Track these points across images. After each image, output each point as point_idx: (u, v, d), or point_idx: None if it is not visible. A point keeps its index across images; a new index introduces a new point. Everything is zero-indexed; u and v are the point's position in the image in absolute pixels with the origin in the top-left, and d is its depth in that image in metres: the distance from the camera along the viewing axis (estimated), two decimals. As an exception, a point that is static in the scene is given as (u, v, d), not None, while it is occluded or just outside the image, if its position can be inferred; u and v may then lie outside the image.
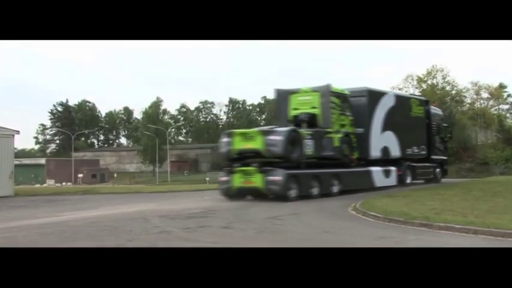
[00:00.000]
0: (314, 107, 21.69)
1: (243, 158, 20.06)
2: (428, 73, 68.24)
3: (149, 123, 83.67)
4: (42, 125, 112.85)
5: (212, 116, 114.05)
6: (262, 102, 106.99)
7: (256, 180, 19.51)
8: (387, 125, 25.02)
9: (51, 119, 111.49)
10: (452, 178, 33.33)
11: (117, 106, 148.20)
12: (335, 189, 21.96)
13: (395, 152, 25.85)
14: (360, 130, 23.57)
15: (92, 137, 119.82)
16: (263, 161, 19.62)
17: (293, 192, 19.82)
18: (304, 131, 20.73)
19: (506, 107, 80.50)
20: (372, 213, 14.64)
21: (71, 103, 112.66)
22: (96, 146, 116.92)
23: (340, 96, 22.56)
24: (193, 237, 11.17)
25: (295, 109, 22.17)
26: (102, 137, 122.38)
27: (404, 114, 26.82)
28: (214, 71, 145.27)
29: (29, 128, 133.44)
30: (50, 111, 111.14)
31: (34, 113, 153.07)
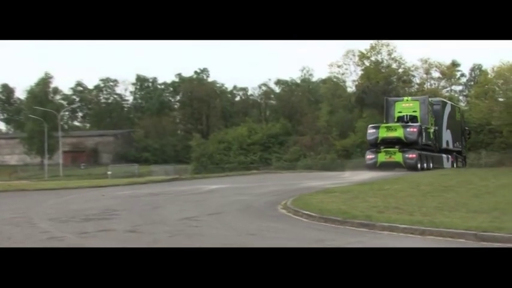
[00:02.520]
0: (415, 111, 35.74)
1: (385, 143, 33.95)
2: (372, 48, 69.51)
3: (36, 105, 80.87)
4: None
5: (115, 96, 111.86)
6: (177, 80, 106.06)
7: (397, 157, 33.59)
8: (447, 126, 39.51)
9: None
10: (398, 171, 34.13)
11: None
12: (431, 165, 35.27)
13: (450, 145, 40.33)
14: (436, 128, 37.60)
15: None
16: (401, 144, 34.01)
17: (420, 166, 33.59)
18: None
19: (459, 88, 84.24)
20: (305, 211, 14.94)
21: None
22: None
23: (430, 104, 37.31)
24: (90, 244, 11.00)
25: (400, 112, 36.13)
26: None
27: (454, 118, 41.74)
28: (118, 42, 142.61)
29: None
30: None
31: None
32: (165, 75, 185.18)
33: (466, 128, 45.76)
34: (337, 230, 12.48)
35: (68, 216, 15.87)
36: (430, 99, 38.31)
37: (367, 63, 70.82)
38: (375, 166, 33.89)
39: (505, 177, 24.69)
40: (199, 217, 15.22)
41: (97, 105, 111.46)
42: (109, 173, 60.51)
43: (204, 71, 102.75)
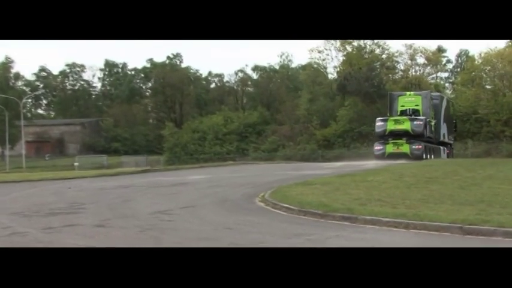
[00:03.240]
0: (417, 105, 39.32)
1: (393, 135, 37.71)
2: (355, 33, 69.96)
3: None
4: None
5: (82, 82, 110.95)
6: (148, 66, 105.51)
7: (405, 148, 37.12)
8: (444, 119, 43.16)
9: None
10: (377, 161, 34.86)
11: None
12: (432, 157, 38.19)
13: (446, 137, 44.11)
14: (435, 121, 41.11)
15: None
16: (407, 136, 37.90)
17: (424, 157, 36.76)
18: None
19: (445, 74, 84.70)
20: (284, 204, 15.01)
21: None
22: None
23: (431, 98, 41.01)
24: (56, 240, 10.94)
25: (403, 106, 39.64)
26: None
27: (448, 112, 45.39)
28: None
29: None
30: None
31: None
32: (136, 60, 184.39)
33: (454, 120, 48.93)
34: (318, 223, 12.55)
35: (32, 211, 15.76)
36: (432, 94, 43.19)
37: (349, 48, 71.12)
38: (383, 156, 37.29)
39: (491, 168, 24.95)
40: (172, 211, 15.22)
41: (63, 92, 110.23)
42: (76, 164, 59.98)
43: (177, 56, 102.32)
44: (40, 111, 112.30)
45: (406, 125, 37.38)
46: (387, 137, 37.99)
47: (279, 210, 14.80)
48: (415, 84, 68.35)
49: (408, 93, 41.79)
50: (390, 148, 37.68)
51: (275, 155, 63.47)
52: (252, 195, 18.22)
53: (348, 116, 64.89)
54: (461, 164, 27.68)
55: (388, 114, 40.31)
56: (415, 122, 37.43)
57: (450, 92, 75.06)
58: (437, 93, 46.38)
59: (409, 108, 39.26)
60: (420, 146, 37.27)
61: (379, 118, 39.60)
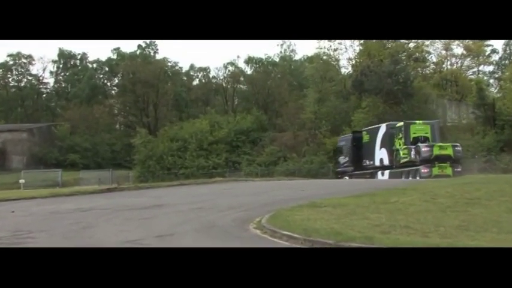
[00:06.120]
0: (426, 133, 51.29)
1: (437, 159, 48.25)
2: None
3: None
4: None
5: (30, 78, 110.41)
6: (114, 57, 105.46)
7: (448, 171, 47.63)
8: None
9: None
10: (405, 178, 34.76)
11: None
12: None
13: None
14: None
15: None
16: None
17: None
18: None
19: (489, 68, 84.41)
20: (286, 232, 14.94)
21: None
22: None
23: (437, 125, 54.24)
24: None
25: (414, 133, 51.19)
26: None
27: None
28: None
29: None
30: None
31: None
32: (98, 50, 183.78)
33: None
34: (329, 256, 12.50)
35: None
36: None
37: (368, 36, 71.11)
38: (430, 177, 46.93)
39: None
40: (144, 240, 15.16)
41: (4, 89, 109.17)
42: (21, 181, 59.97)
43: (151, 45, 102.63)
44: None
45: (449, 151, 49.02)
46: (433, 160, 48.79)
47: (279, 240, 14.76)
48: (451, 81, 68.28)
49: (418, 122, 53.71)
50: (436, 170, 48.47)
51: (274, 170, 63.40)
52: (245, 220, 18.20)
53: (366, 120, 64.50)
54: (509, 182, 27.56)
55: (403, 141, 51.92)
56: (456, 148, 49.30)
57: (496, 90, 74.84)
58: (436, 120, 57.37)
59: (421, 136, 51.47)
60: (460, 169, 48.22)
61: (425, 144, 50.10)
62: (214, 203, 24.75)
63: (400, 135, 52.09)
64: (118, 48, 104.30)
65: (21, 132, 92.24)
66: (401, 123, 53.09)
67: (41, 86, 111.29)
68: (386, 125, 54.68)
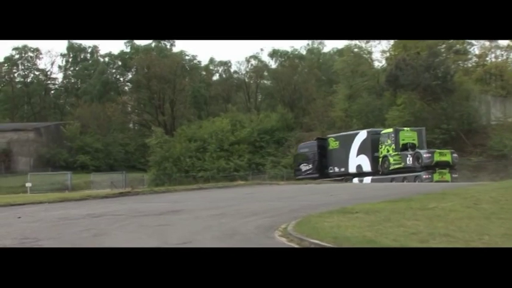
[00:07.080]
0: (414, 139, 54.88)
1: (437, 165, 52.11)
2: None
3: None
4: None
5: (37, 73, 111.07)
6: (128, 51, 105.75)
7: (447, 177, 51.55)
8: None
9: None
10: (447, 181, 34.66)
11: None
12: None
13: None
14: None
15: None
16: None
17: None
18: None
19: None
20: (314, 240, 14.80)
21: None
22: None
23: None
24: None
25: (403, 140, 54.77)
26: None
27: None
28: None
29: None
30: None
31: None
32: (110, 43, 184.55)
33: None
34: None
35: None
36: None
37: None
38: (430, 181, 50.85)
39: None
40: (160, 249, 15.11)
41: (9, 85, 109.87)
42: (28, 185, 60.40)
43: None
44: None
45: (448, 157, 53.07)
46: (434, 167, 52.58)
47: (307, 249, 14.64)
48: (496, 75, 67.95)
49: (406, 129, 57.56)
50: (436, 177, 52.25)
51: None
52: (270, 228, 18.10)
53: (402, 118, 64.63)
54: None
55: (393, 147, 55.24)
56: (454, 155, 53.57)
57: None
58: (421, 128, 59.91)
59: (409, 142, 55.11)
60: (457, 175, 53.06)
61: (426, 150, 53.92)
62: (236, 208, 24.67)
63: (389, 142, 55.46)
64: (131, 41, 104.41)
65: (28, 132, 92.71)
66: (389, 130, 57.30)
67: (49, 82, 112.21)
68: (368, 132, 58.29)
